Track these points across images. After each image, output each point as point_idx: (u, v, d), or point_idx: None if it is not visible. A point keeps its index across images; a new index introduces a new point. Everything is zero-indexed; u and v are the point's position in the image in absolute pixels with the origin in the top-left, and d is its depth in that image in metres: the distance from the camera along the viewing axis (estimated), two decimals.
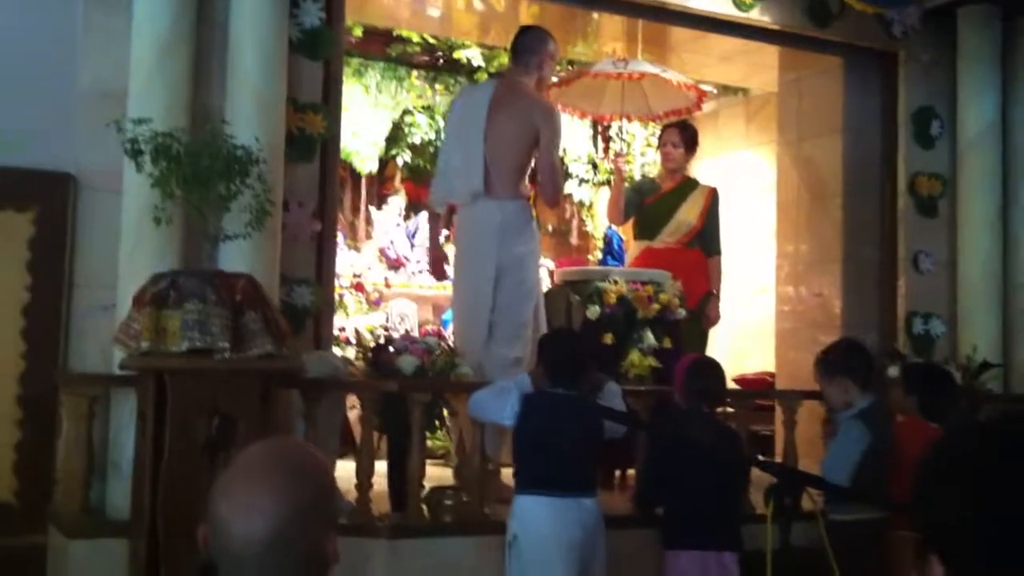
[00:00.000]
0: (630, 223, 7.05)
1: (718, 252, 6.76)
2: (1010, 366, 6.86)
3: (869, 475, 4.16)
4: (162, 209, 4.21)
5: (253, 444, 1.69)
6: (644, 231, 6.84)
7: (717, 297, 6.69)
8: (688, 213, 6.69)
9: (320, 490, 1.56)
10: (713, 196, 6.78)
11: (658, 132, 9.68)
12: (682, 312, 6.39)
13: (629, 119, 8.14)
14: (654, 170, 9.36)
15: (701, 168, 9.60)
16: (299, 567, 1.52)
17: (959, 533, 1.17)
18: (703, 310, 6.54)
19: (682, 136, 6.77)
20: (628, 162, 9.58)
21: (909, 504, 1.33)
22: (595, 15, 7.15)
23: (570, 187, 10.01)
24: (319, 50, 5.39)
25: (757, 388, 7.69)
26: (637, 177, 9.02)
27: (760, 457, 5.48)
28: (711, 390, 4.54)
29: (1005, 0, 6.84)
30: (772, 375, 8.01)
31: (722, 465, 4.30)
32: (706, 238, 6.71)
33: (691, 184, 6.87)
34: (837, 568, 2.98)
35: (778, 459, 5.97)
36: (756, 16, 6.69)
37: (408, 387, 4.74)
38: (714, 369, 4.65)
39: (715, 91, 9.58)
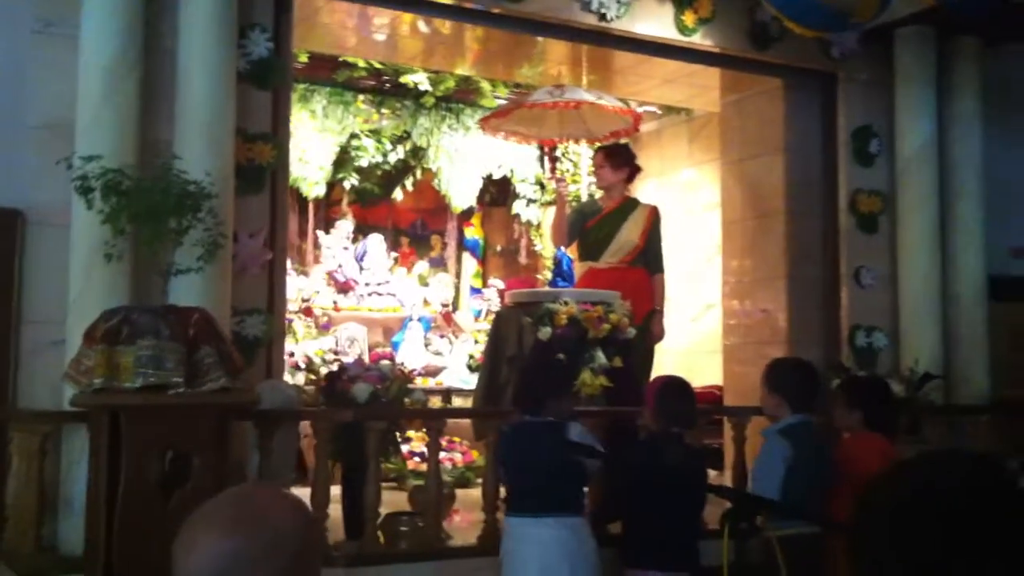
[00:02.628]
0: (575, 245, 7.11)
1: (661, 270, 6.80)
2: (951, 377, 7.03)
3: (797, 488, 4.23)
4: (113, 245, 4.19)
5: (230, 487, 1.70)
6: (588, 252, 6.89)
7: (661, 313, 6.75)
8: (630, 233, 6.73)
9: (275, 540, 1.51)
10: (654, 215, 6.83)
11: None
12: (631, 331, 6.48)
13: (573, 140, 8.27)
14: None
15: (646, 187, 9.72)
16: None
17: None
18: (647, 327, 6.58)
19: (607, 158, 6.81)
20: (573, 182, 9.67)
21: (846, 532, 1.39)
22: (540, 39, 7.22)
23: (518, 207, 10.10)
24: (268, 80, 5.40)
25: (706, 402, 7.78)
26: (585, 198, 9.10)
27: (712, 482, 5.54)
28: (683, 412, 4.57)
29: (940, 21, 7.01)
30: (720, 388, 8.12)
31: (688, 487, 4.37)
32: (649, 256, 6.75)
33: (632, 204, 6.90)
34: None
35: (727, 473, 6.05)
36: (699, 40, 6.80)
37: (364, 415, 4.75)
38: (686, 391, 4.68)
39: (658, 111, 9.71)
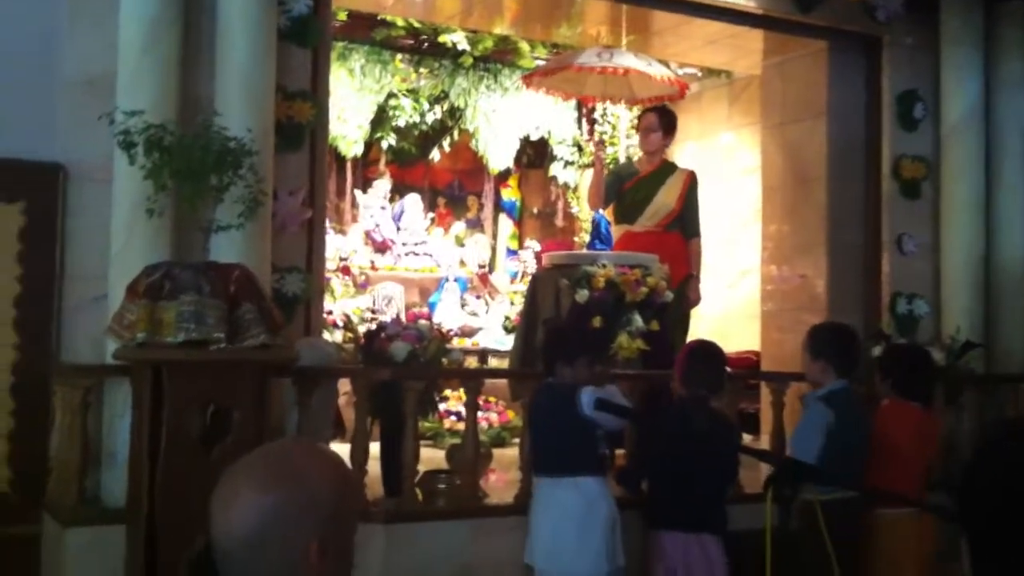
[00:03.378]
0: (611, 207, 7.08)
1: (697, 234, 6.76)
2: (993, 346, 6.96)
3: (838, 455, 4.21)
4: (154, 201, 4.21)
5: (269, 443, 1.71)
6: (624, 215, 6.86)
7: (697, 279, 6.70)
8: (666, 197, 6.70)
9: (312, 496, 1.53)
10: (691, 179, 6.79)
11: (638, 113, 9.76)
12: (669, 295, 6.45)
13: (613, 101, 8.20)
14: (638, 152, 9.40)
15: (684, 150, 9.65)
16: (274, 566, 1.51)
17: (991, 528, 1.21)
18: (683, 292, 6.54)
19: (660, 120, 6.77)
20: (611, 144, 9.61)
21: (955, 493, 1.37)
22: None
23: (555, 169, 10.04)
24: (307, 38, 5.38)
25: (742, 367, 7.74)
26: (623, 159, 9.03)
27: (750, 443, 5.53)
28: (710, 377, 4.56)
29: None
30: (756, 354, 8.08)
31: (714, 452, 4.36)
32: (685, 221, 6.71)
33: (669, 168, 6.87)
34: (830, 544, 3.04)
35: (763, 438, 6.03)
36: (742, 1, 6.71)
37: (402, 375, 4.77)
38: (716, 356, 4.66)
39: (699, 73, 9.60)
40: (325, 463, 1.61)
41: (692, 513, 4.34)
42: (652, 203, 6.70)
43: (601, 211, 7.41)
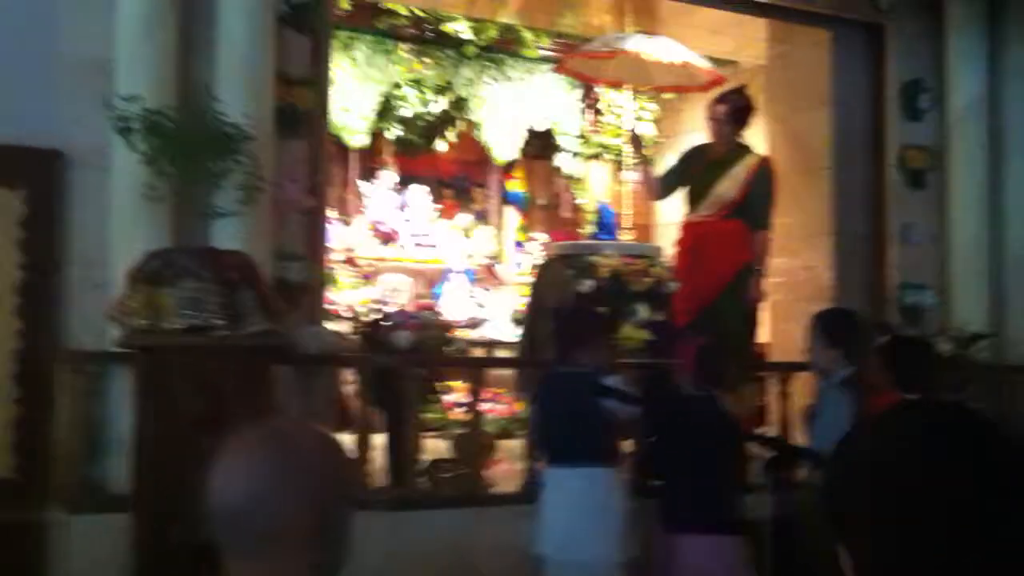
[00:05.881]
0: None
1: (765, 227, 6.15)
2: (1002, 336, 6.91)
3: None
4: (154, 187, 4.20)
5: (267, 422, 1.70)
6: (688, 203, 6.33)
7: (760, 273, 6.13)
8: (727, 188, 6.14)
9: (307, 474, 1.52)
10: (760, 167, 6.21)
11: (645, 103, 9.72)
12: (673, 285, 6.41)
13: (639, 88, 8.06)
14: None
15: (690, 140, 9.59)
16: (264, 538, 1.49)
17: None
18: (741, 286, 6.03)
19: (729, 114, 6.17)
20: (615, 135, 9.55)
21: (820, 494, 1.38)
22: None
23: (560, 160, 10.01)
24: (308, 23, 5.36)
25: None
26: (625, 150, 8.96)
27: (756, 431, 5.49)
28: (718, 374, 4.52)
29: None
30: (762, 345, 8.05)
31: (726, 451, 4.34)
32: (750, 211, 6.11)
33: (737, 154, 6.22)
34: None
35: (771, 430, 5.99)
36: None
37: (404, 362, 4.76)
38: (722, 353, 4.63)
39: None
40: (320, 442, 1.60)
41: (711, 513, 4.29)
42: (712, 193, 6.16)
43: (659, 201, 7.03)
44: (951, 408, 1.22)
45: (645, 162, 6.58)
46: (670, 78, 7.35)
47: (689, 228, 6.29)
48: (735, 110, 6.18)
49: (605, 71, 7.65)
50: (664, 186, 6.42)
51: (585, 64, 7.52)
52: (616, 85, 8.40)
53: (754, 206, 6.11)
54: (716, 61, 9.46)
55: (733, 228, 6.08)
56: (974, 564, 1.10)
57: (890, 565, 1.17)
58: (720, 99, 6.35)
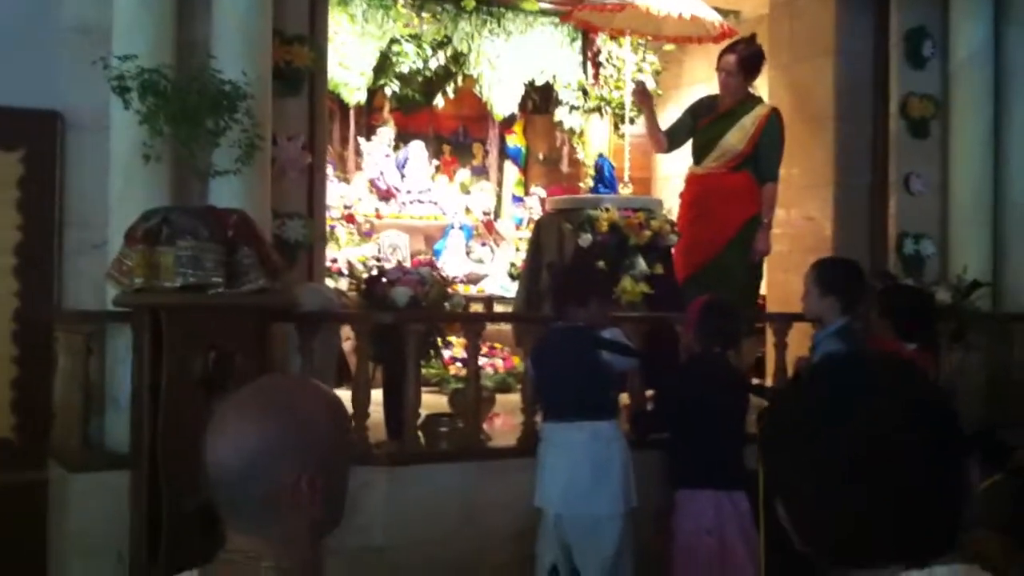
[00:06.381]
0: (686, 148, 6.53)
1: (773, 179, 6.16)
2: (1000, 285, 6.91)
3: None
4: (151, 146, 4.19)
5: (263, 377, 1.71)
6: (694, 155, 6.34)
7: (767, 226, 6.15)
8: (735, 139, 6.14)
9: (304, 430, 1.52)
10: (769, 119, 6.19)
11: (648, 56, 9.65)
12: (673, 238, 6.40)
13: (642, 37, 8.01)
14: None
15: (693, 92, 9.54)
16: (261, 497, 1.50)
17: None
18: (747, 239, 6.08)
19: (739, 64, 6.11)
20: (616, 88, 9.49)
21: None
22: None
23: (560, 114, 9.95)
24: None
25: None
26: (628, 103, 8.91)
27: (754, 381, 5.51)
28: (726, 331, 4.52)
29: None
30: (762, 296, 8.05)
31: (732, 408, 4.35)
32: (759, 163, 6.13)
33: (746, 106, 6.23)
34: None
35: (768, 381, 6.02)
36: None
37: (403, 318, 4.77)
38: (729, 310, 4.61)
39: None
40: (318, 398, 1.60)
41: (722, 471, 4.32)
42: (719, 145, 6.15)
43: (664, 154, 7.00)
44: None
45: (652, 114, 6.52)
46: (680, 30, 7.27)
47: (695, 180, 6.28)
48: (744, 58, 6.15)
49: (614, 22, 7.59)
50: (671, 139, 6.41)
51: (593, 15, 7.45)
52: (622, 34, 8.32)
53: (763, 157, 6.12)
54: (719, 11, 9.40)
55: (741, 180, 6.09)
56: None
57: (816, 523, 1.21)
58: (729, 48, 6.32)
